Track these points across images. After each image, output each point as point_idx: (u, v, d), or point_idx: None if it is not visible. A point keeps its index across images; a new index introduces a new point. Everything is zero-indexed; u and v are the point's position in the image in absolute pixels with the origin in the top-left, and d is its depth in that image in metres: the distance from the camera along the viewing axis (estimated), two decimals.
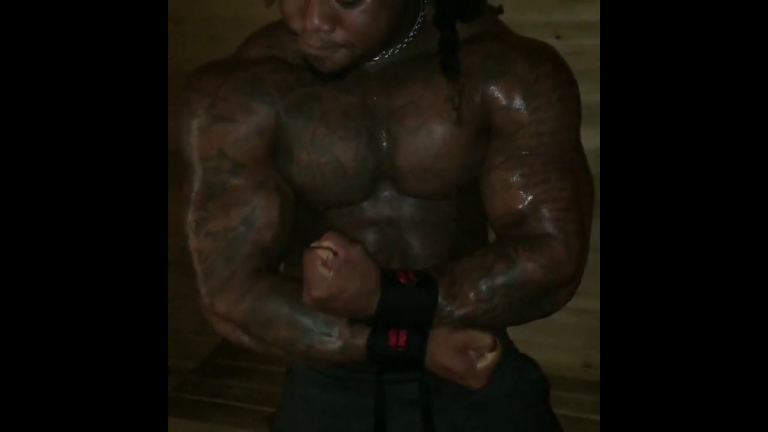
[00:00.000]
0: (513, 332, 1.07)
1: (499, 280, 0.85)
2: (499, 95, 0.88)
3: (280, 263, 0.93)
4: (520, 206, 0.88)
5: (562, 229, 0.88)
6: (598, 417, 1.32)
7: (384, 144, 0.89)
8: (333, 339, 0.85)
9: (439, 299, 0.83)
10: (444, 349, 0.83)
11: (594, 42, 1.18)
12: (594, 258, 0.90)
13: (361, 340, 0.84)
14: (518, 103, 0.87)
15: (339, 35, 0.78)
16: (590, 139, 1.03)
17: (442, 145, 0.88)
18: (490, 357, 0.83)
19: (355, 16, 0.77)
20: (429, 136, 0.87)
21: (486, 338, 0.82)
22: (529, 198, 0.88)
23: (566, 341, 1.49)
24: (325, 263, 0.78)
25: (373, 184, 0.91)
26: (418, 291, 0.83)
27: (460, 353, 0.83)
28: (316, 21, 0.76)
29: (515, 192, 0.88)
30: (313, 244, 0.80)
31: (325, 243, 0.79)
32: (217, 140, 0.87)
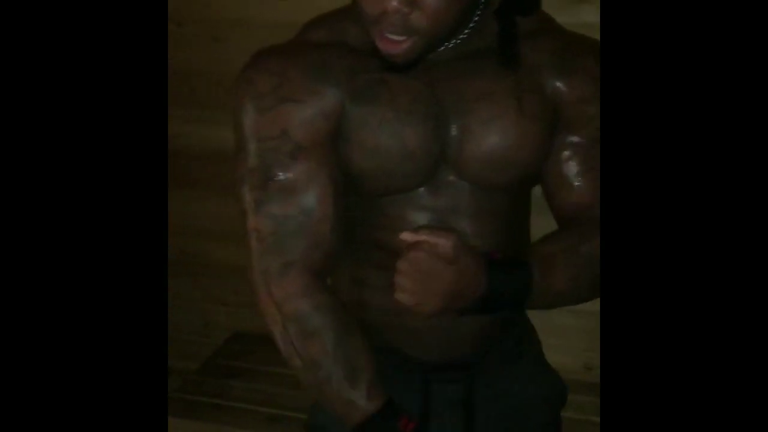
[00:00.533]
0: None
1: (585, 258, 0.89)
2: (570, 90, 0.90)
3: (337, 261, 0.93)
4: (589, 198, 0.92)
5: None
6: (598, 419, 1.32)
7: (453, 133, 0.89)
8: (351, 389, 0.87)
9: (535, 276, 0.87)
10: None
11: None
12: None
13: (372, 404, 0.87)
14: (589, 97, 0.90)
15: (416, 17, 0.78)
16: None
17: (516, 138, 0.89)
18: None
19: None
20: (503, 129, 0.88)
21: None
22: (599, 189, 0.91)
23: (567, 342, 1.49)
24: (441, 256, 0.81)
25: (434, 170, 0.91)
26: (515, 267, 0.87)
27: None
28: (395, 3, 0.76)
29: (586, 183, 0.92)
30: (407, 239, 0.83)
31: (424, 238, 0.82)
32: (282, 120, 0.87)
